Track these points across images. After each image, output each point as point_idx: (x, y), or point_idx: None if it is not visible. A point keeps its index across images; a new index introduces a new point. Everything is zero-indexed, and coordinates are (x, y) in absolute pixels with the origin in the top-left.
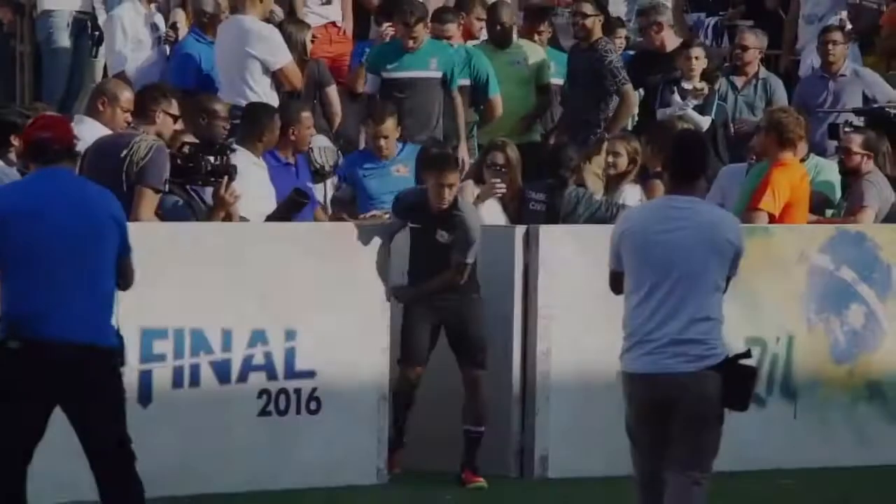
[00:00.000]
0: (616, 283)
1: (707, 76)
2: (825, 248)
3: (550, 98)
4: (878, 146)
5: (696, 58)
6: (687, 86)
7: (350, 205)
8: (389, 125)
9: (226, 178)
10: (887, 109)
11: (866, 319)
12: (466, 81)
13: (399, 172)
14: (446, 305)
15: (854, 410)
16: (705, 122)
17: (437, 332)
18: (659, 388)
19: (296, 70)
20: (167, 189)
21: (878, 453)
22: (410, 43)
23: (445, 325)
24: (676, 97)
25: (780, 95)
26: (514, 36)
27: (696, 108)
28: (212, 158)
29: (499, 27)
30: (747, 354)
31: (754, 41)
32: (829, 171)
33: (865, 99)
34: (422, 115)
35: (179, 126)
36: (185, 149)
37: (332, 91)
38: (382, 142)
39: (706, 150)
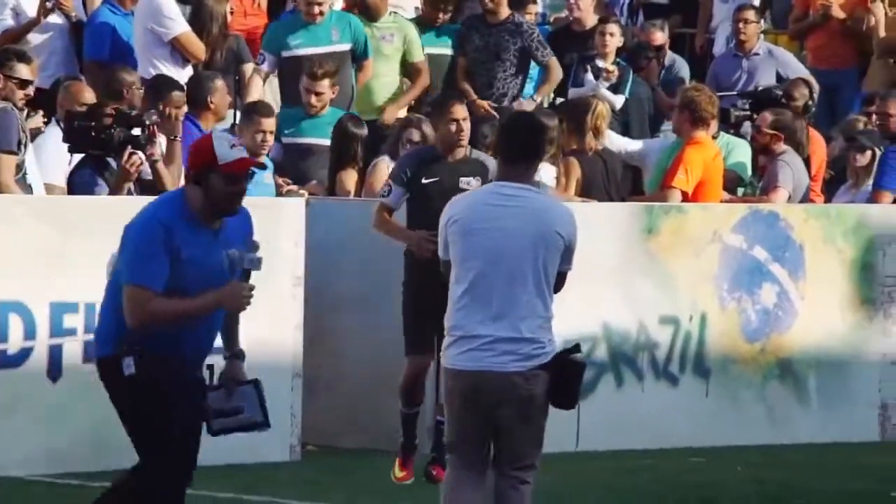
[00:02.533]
0: (448, 273)
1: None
2: (738, 227)
3: (420, 75)
4: (792, 126)
5: (611, 34)
6: (601, 64)
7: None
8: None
9: (128, 148)
10: (775, 91)
11: (778, 299)
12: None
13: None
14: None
15: (765, 389)
16: (619, 100)
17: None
18: (484, 387)
19: (193, 40)
20: (18, 151)
21: (788, 432)
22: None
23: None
24: (590, 76)
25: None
26: (386, 11)
27: (609, 87)
28: (132, 131)
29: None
30: (576, 349)
31: (661, 37)
32: (741, 149)
33: (779, 78)
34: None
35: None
36: (104, 120)
37: (250, 68)
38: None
39: (541, 133)
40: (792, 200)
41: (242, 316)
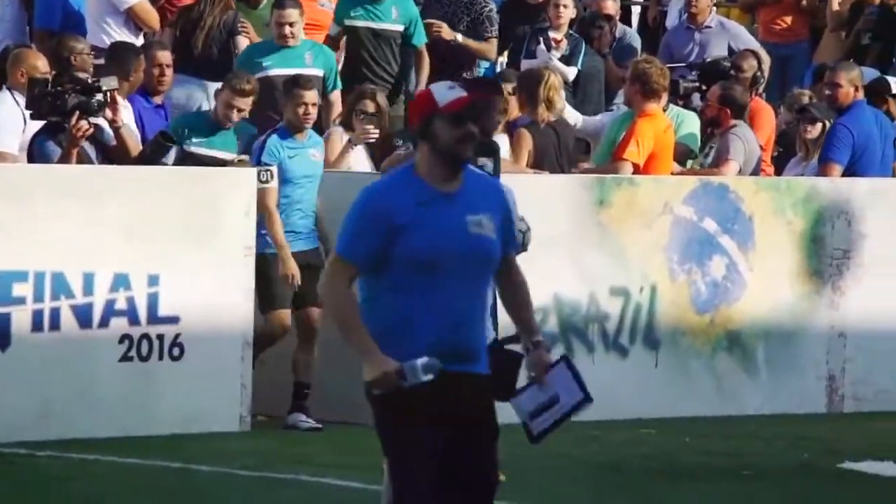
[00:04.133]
0: None
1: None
2: (688, 199)
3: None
4: (741, 100)
5: (564, 6)
6: (555, 35)
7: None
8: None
9: (76, 114)
10: (723, 63)
11: (727, 271)
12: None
13: (315, 157)
14: None
15: (714, 360)
16: (571, 72)
17: None
18: None
19: (148, 9)
20: None
21: (736, 403)
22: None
23: None
24: (542, 47)
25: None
26: None
27: (562, 59)
28: (91, 98)
29: None
30: (515, 339)
31: (612, 6)
32: (691, 122)
33: (731, 51)
34: None
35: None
36: (59, 87)
37: (243, 41)
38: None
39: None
40: (743, 173)
41: (190, 284)
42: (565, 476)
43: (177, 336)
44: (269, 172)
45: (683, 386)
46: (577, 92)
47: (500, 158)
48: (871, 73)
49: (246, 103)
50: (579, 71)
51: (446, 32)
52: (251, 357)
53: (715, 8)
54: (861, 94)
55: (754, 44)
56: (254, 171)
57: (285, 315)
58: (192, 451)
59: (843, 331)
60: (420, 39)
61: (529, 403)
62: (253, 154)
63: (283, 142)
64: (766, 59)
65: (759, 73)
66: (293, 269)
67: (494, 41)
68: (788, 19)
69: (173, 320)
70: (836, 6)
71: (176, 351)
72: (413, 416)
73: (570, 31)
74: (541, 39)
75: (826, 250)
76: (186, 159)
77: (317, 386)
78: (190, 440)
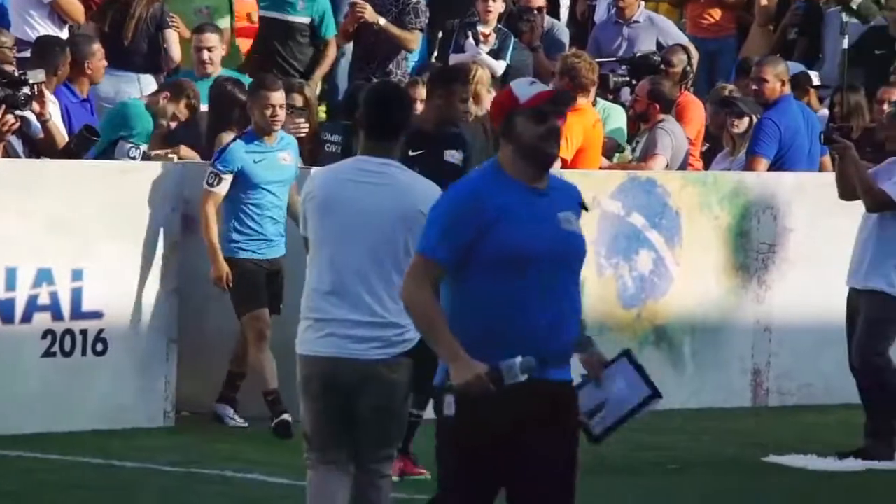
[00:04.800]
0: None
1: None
2: (616, 193)
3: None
4: (670, 94)
5: (493, 0)
6: (483, 30)
7: None
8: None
9: (2, 107)
10: (653, 58)
11: (654, 265)
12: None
13: (285, 161)
14: None
15: (640, 355)
16: (500, 66)
17: None
18: (345, 374)
19: (73, 1)
20: None
21: (663, 397)
22: None
23: None
24: (471, 41)
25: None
26: None
27: (490, 53)
28: (13, 92)
29: None
30: None
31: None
32: (617, 116)
33: (660, 45)
34: None
35: None
36: None
37: (172, 34)
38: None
39: (406, 105)
40: (671, 168)
41: (115, 279)
42: None
43: (100, 331)
44: (215, 176)
45: None
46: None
47: (470, 150)
48: (796, 69)
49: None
50: (508, 65)
51: (369, 14)
52: (175, 353)
53: (643, 3)
54: (788, 89)
55: (682, 38)
56: (180, 164)
57: (254, 317)
58: (116, 447)
59: (768, 325)
60: (328, 32)
61: (587, 402)
62: (214, 155)
63: (248, 146)
64: (695, 54)
65: (688, 68)
66: (222, 271)
67: (418, 33)
68: (716, 14)
69: (97, 315)
70: (763, 1)
71: (99, 346)
72: (481, 438)
73: (499, 26)
74: (469, 34)
75: (752, 245)
76: None
77: (209, 377)
78: (114, 436)
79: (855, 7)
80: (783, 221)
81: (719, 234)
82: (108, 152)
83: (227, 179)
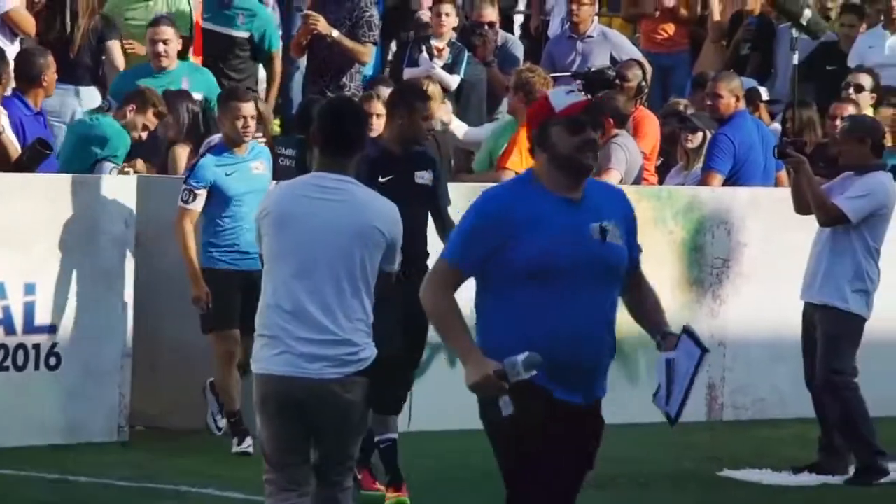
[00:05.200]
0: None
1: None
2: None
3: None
4: (623, 109)
5: (447, 14)
6: (437, 44)
7: None
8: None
9: None
10: (608, 72)
11: None
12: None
13: (258, 170)
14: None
15: None
16: (454, 80)
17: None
18: (300, 393)
19: (25, 15)
20: None
21: (619, 411)
22: None
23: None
24: (425, 55)
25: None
26: None
27: (444, 67)
28: None
29: None
30: (398, 355)
31: (492, 13)
32: None
33: (613, 60)
34: None
35: None
36: None
37: (114, 45)
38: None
39: (362, 120)
40: (624, 182)
41: (70, 295)
42: (454, 485)
43: (53, 346)
44: (189, 193)
45: None
46: (460, 100)
47: (440, 168)
48: (749, 84)
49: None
50: (462, 80)
51: (323, 26)
52: (130, 367)
53: (597, 18)
54: (742, 105)
55: (636, 53)
56: (134, 178)
57: (222, 336)
58: (69, 462)
59: (722, 340)
60: (272, 47)
61: (661, 398)
62: (187, 171)
63: (218, 159)
64: (649, 69)
65: (643, 83)
66: (201, 291)
67: (371, 46)
68: (669, 29)
69: (50, 329)
70: (716, 17)
71: (52, 360)
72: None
73: (453, 40)
74: (423, 48)
75: (706, 259)
76: None
77: (193, 395)
78: (67, 451)
79: (805, 23)
80: (737, 236)
81: (674, 249)
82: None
83: (202, 195)
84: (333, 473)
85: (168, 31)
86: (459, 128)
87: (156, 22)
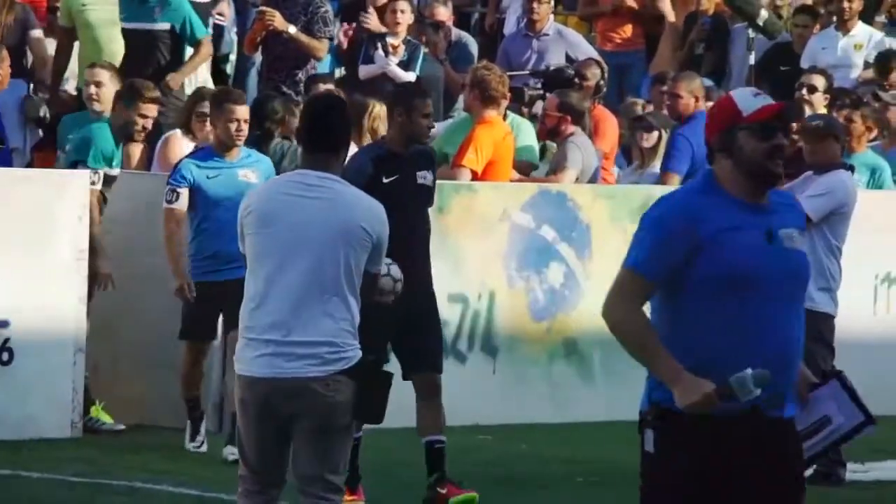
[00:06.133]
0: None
1: None
2: (527, 206)
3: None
4: (579, 107)
5: (402, 11)
6: (392, 41)
7: None
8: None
9: None
10: (567, 71)
11: (565, 278)
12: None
13: (246, 178)
14: (411, 299)
15: (551, 368)
16: (410, 78)
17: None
18: (279, 395)
19: None
20: None
21: (573, 410)
22: None
23: (403, 320)
24: (380, 52)
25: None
26: None
27: (399, 64)
28: None
29: None
30: (382, 360)
31: (444, 12)
32: (527, 132)
33: (569, 58)
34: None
35: None
36: None
37: (38, 34)
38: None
39: (346, 118)
40: (580, 181)
41: (23, 289)
42: (402, 482)
43: (6, 340)
44: (172, 192)
45: (521, 393)
46: None
47: (435, 168)
48: (705, 84)
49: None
50: (418, 77)
51: (279, 22)
52: (83, 362)
53: (552, 16)
54: (702, 105)
55: (592, 52)
56: (86, 173)
57: (193, 346)
58: (22, 458)
59: None
60: (198, 33)
61: (798, 424)
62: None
63: (202, 162)
64: (606, 68)
65: (601, 82)
66: (180, 281)
67: (326, 41)
68: (625, 28)
69: (3, 324)
70: (671, 18)
71: (5, 356)
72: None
73: (408, 37)
74: (378, 45)
75: None
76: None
77: (147, 391)
78: (20, 446)
79: (761, 24)
80: None
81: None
82: None
83: (184, 193)
84: (318, 489)
85: (103, 74)
86: None
87: (92, 63)
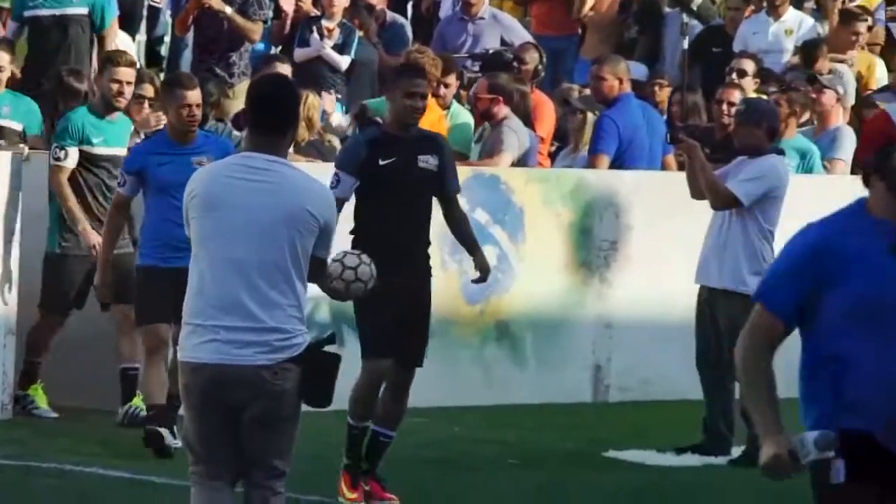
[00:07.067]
0: None
1: None
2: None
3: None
4: (509, 89)
5: None
6: (328, 24)
7: None
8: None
9: None
10: (505, 54)
11: (498, 261)
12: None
13: (201, 164)
14: (406, 286)
15: (483, 351)
16: (344, 61)
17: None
18: (227, 382)
19: None
20: None
21: (506, 393)
22: None
23: (403, 312)
24: (315, 36)
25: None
26: None
27: (334, 48)
28: None
29: None
30: (330, 340)
31: None
32: (465, 122)
33: (504, 42)
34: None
35: None
36: None
37: None
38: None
39: (295, 99)
40: (513, 164)
41: None
42: (335, 465)
43: None
44: (121, 175)
45: (453, 376)
46: (350, 81)
47: (447, 154)
48: (639, 68)
49: (131, 75)
50: (353, 60)
51: (216, 3)
52: (14, 344)
53: (488, 0)
54: (628, 87)
55: (527, 36)
56: (7, 155)
57: (149, 330)
58: None
59: (609, 322)
60: (107, 21)
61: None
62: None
63: (153, 147)
64: (543, 53)
65: (539, 67)
66: (102, 281)
67: (261, 24)
68: (559, 13)
69: None
70: (606, 1)
71: None
72: None
73: (343, 21)
74: (313, 28)
75: (594, 242)
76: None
77: (79, 374)
78: None
79: (695, 8)
80: (624, 219)
81: (562, 231)
82: None
83: (131, 179)
84: (262, 476)
85: (3, 57)
86: (340, 119)
87: None
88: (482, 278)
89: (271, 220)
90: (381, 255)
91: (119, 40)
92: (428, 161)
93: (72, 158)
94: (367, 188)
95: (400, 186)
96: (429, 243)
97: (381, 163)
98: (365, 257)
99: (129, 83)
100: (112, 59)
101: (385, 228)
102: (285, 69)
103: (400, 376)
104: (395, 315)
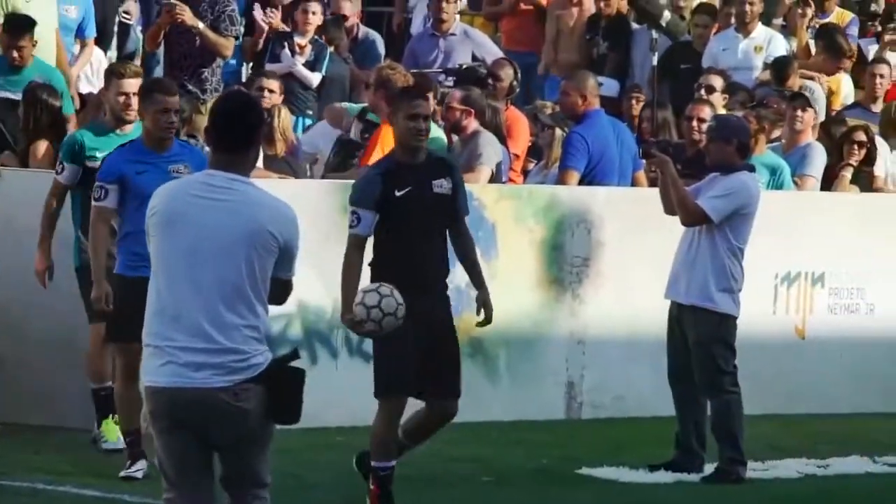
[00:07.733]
0: None
1: None
2: None
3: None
4: (480, 103)
5: (313, 12)
6: (300, 41)
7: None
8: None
9: None
10: (479, 70)
11: None
12: None
13: (179, 173)
14: (429, 314)
15: None
16: (315, 78)
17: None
18: (188, 404)
19: None
20: None
21: (478, 409)
22: None
23: (431, 342)
24: (286, 52)
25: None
26: None
27: (306, 64)
28: None
29: None
30: (294, 356)
31: (350, 8)
32: (435, 129)
33: (475, 58)
34: None
35: None
36: None
37: None
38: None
39: (258, 116)
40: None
41: None
42: (308, 482)
43: None
44: (101, 189)
45: None
46: (322, 97)
47: (459, 175)
48: (610, 84)
49: (137, 86)
50: (324, 76)
51: (189, 18)
52: None
53: (458, 16)
54: (595, 103)
55: (498, 52)
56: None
57: (123, 349)
58: None
59: (582, 338)
60: (90, 33)
61: None
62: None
63: (131, 156)
64: (517, 69)
65: (514, 83)
66: (100, 290)
67: (233, 40)
68: (530, 29)
69: None
70: (574, 16)
71: None
72: None
73: (315, 37)
74: (285, 44)
75: (566, 258)
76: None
77: (51, 391)
78: None
79: (664, 24)
80: (596, 235)
81: (534, 248)
82: None
83: (113, 189)
84: (242, 494)
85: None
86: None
87: None
88: (486, 321)
89: (230, 240)
90: (404, 285)
91: (94, 57)
92: (442, 185)
93: (67, 174)
94: (384, 220)
95: (417, 214)
96: (448, 267)
97: (397, 194)
98: (384, 289)
99: (135, 94)
100: (116, 72)
101: (405, 257)
102: (274, 85)
103: (442, 409)
104: (421, 347)
